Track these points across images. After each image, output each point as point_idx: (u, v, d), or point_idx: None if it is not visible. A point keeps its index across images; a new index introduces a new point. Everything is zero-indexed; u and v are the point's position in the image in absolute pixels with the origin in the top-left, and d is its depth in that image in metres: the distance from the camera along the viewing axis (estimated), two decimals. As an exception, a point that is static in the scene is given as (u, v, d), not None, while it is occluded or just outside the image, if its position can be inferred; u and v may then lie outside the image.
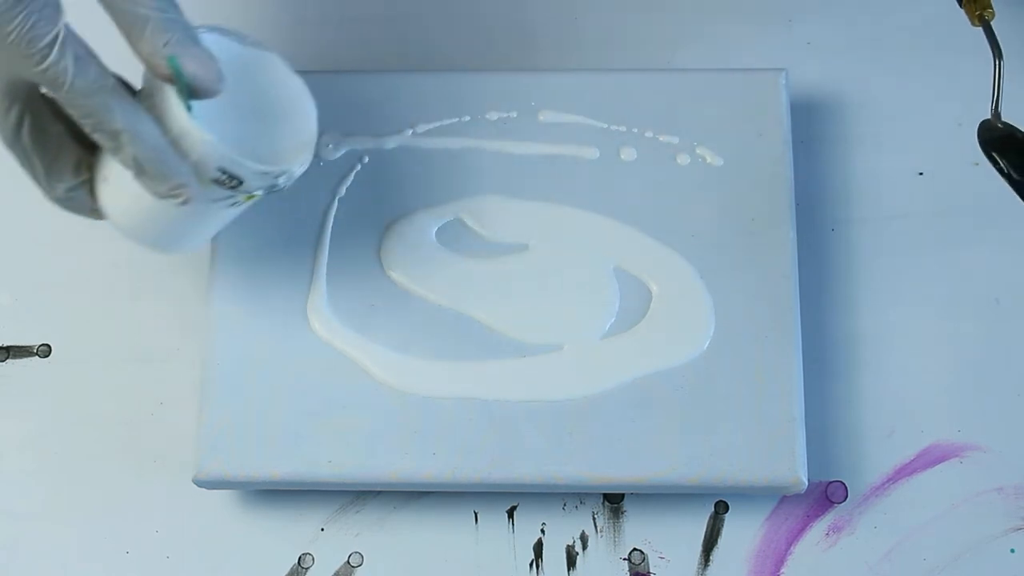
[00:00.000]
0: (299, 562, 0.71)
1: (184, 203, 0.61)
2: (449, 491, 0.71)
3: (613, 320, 0.71)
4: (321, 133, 0.74)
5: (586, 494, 0.71)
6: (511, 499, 0.72)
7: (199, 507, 0.72)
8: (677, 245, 0.72)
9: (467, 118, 0.75)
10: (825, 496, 0.71)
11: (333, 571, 0.71)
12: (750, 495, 0.71)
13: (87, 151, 0.63)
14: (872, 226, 0.75)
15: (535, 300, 0.72)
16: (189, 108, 0.59)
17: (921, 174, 0.76)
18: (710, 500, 0.71)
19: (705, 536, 0.71)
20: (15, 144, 0.61)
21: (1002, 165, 0.64)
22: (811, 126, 0.77)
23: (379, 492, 0.72)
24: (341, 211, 0.73)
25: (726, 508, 0.71)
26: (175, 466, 0.72)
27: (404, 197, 0.73)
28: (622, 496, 0.71)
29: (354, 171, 0.74)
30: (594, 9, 0.81)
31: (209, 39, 0.62)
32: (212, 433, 0.69)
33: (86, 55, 0.58)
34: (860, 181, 0.76)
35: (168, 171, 0.60)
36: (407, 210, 0.73)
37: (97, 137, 0.59)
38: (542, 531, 0.71)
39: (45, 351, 0.75)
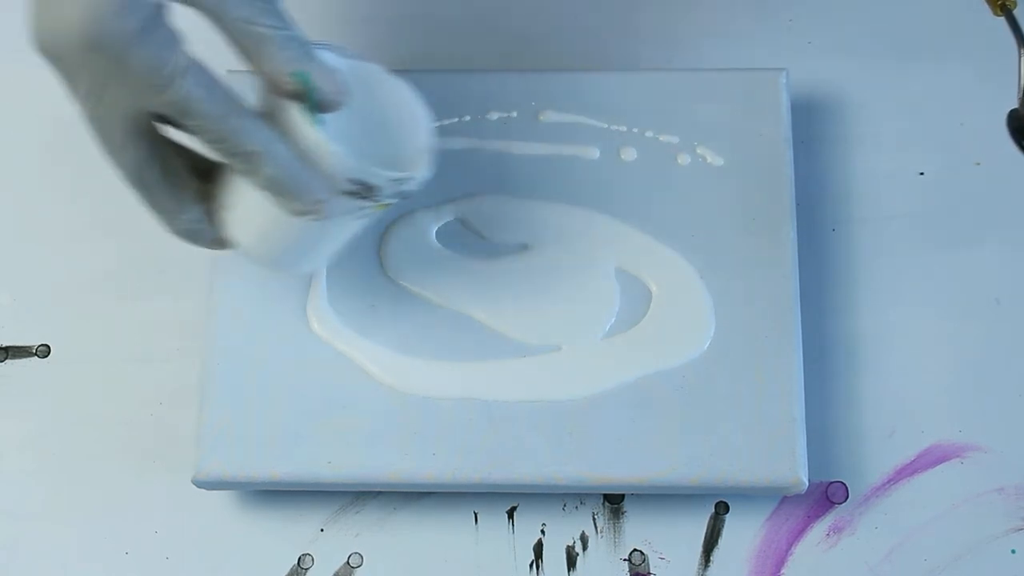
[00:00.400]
0: (299, 563, 0.71)
1: (319, 218, 0.60)
2: (449, 491, 0.71)
3: (613, 320, 0.71)
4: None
5: (586, 494, 0.71)
6: (511, 499, 0.71)
7: (199, 507, 0.72)
8: (677, 245, 0.72)
9: (467, 118, 0.75)
10: (826, 496, 0.71)
11: (333, 572, 0.71)
12: (750, 495, 0.71)
13: (205, 182, 0.62)
14: (873, 226, 0.75)
15: (535, 300, 0.71)
16: (317, 123, 0.59)
17: (922, 174, 0.76)
18: (710, 500, 0.71)
19: (705, 536, 0.71)
20: (138, 181, 0.60)
21: None
22: (812, 126, 0.77)
23: (379, 492, 0.72)
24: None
25: (726, 508, 0.71)
26: (175, 466, 0.71)
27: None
28: (622, 496, 0.71)
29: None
30: (595, 9, 0.81)
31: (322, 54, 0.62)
32: (212, 433, 0.69)
33: (212, 80, 0.57)
34: (861, 181, 0.76)
35: (304, 188, 0.59)
36: (407, 210, 0.73)
37: (231, 160, 0.59)
38: (542, 532, 0.71)
39: (44, 351, 0.75)
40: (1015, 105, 0.77)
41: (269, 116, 0.60)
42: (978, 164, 0.76)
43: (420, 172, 0.63)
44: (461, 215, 0.73)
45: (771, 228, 0.72)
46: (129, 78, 0.56)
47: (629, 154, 0.74)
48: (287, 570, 0.71)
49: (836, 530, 0.71)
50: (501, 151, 0.74)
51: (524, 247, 0.73)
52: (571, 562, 0.71)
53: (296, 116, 0.59)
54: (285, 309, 0.72)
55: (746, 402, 0.69)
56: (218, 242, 0.63)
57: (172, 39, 0.56)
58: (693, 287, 0.71)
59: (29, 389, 0.74)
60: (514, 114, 0.74)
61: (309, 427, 0.69)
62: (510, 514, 0.71)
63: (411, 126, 0.64)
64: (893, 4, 0.80)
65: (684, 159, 0.74)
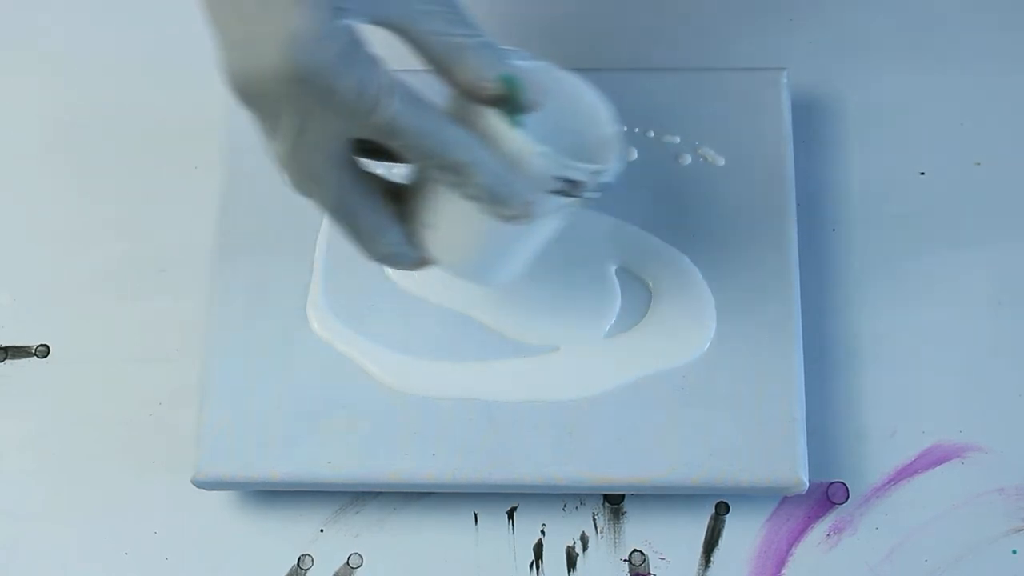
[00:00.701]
0: (298, 563, 0.71)
1: (530, 221, 0.60)
2: (449, 492, 0.71)
3: (614, 320, 0.71)
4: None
5: (586, 495, 0.71)
6: (511, 500, 0.71)
7: (198, 508, 0.72)
8: (678, 245, 0.72)
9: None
10: (826, 497, 0.71)
11: (333, 572, 0.71)
12: (751, 496, 0.71)
13: (399, 204, 0.62)
14: (873, 226, 0.75)
15: (536, 300, 0.71)
16: (517, 125, 0.58)
17: (923, 174, 0.76)
18: (711, 501, 0.71)
19: (706, 537, 0.71)
20: (340, 210, 0.59)
21: None
22: (812, 126, 0.77)
23: (379, 493, 0.72)
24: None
25: (727, 509, 0.71)
26: (174, 467, 0.71)
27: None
28: (622, 497, 0.71)
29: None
30: (595, 8, 0.80)
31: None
32: (211, 434, 0.69)
33: (416, 95, 0.56)
34: (861, 181, 0.76)
35: (514, 192, 0.59)
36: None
37: (439, 175, 0.58)
38: (542, 532, 0.71)
39: (43, 352, 0.75)
40: (1017, 103, 0.77)
41: (465, 124, 0.59)
42: (978, 164, 0.76)
43: (615, 162, 0.62)
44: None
45: (772, 228, 0.72)
46: (336, 106, 0.55)
47: (630, 154, 0.74)
48: (287, 570, 0.71)
49: (837, 530, 0.71)
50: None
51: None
52: (571, 562, 0.71)
53: (496, 121, 0.58)
54: (285, 309, 0.71)
55: (746, 402, 0.69)
56: (420, 262, 0.63)
57: (373, 60, 0.55)
58: (694, 287, 0.71)
59: (28, 389, 0.74)
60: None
61: (309, 427, 0.69)
62: (510, 514, 0.71)
63: (597, 118, 0.64)
64: (894, 4, 0.80)
65: (685, 159, 0.74)
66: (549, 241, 0.65)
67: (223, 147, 0.74)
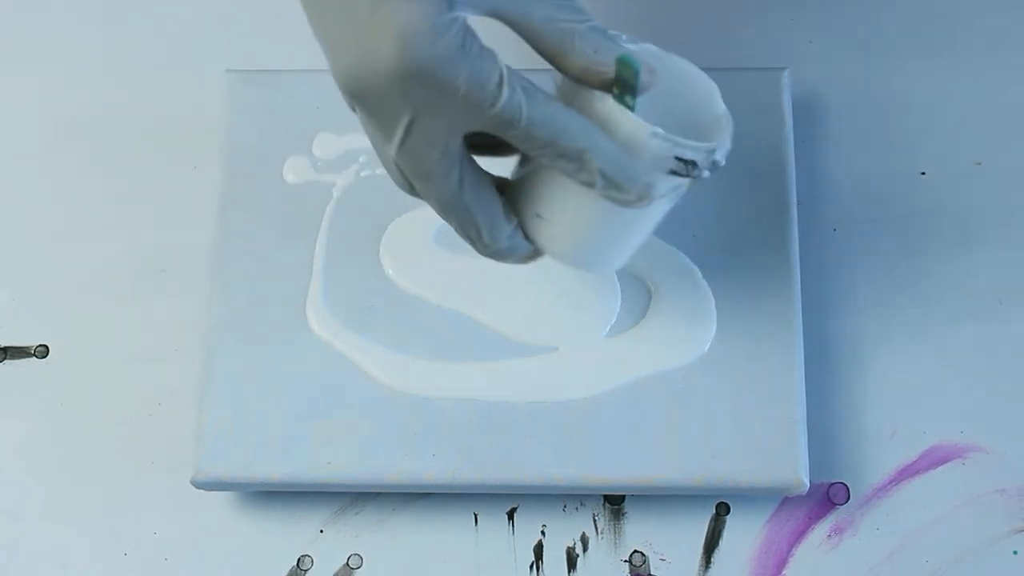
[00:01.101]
0: (298, 564, 0.71)
1: (649, 203, 0.60)
2: (449, 492, 0.70)
3: (614, 321, 0.71)
4: (318, 132, 0.74)
5: (586, 495, 0.71)
6: (511, 500, 0.71)
7: (198, 508, 0.71)
8: (678, 245, 0.72)
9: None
10: (827, 497, 0.71)
11: (332, 573, 0.71)
12: (751, 496, 0.70)
13: (505, 197, 0.61)
14: (874, 226, 0.75)
15: (536, 300, 0.71)
16: (632, 108, 0.58)
17: (923, 174, 0.76)
18: (711, 501, 0.71)
19: (706, 538, 0.71)
20: (456, 206, 0.59)
21: None
22: (813, 125, 0.77)
23: (378, 493, 0.71)
24: (340, 211, 0.73)
25: (727, 509, 0.71)
26: (174, 467, 0.71)
27: (404, 196, 0.73)
28: (623, 497, 0.71)
29: (353, 170, 0.74)
30: (595, 8, 0.80)
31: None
32: (211, 434, 0.69)
33: (530, 84, 0.56)
34: (862, 181, 0.76)
35: (634, 175, 0.58)
36: (407, 209, 0.73)
37: (558, 163, 0.58)
38: (542, 533, 0.71)
39: (43, 352, 0.75)
40: (1017, 103, 0.77)
41: (578, 110, 0.59)
42: (979, 164, 0.76)
43: (726, 139, 0.62)
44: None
45: (772, 228, 0.72)
46: (454, 100, 0.55)
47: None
48: (286, 571, 0.71)
49: (837, 531, 0.70)
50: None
51: (524, 247, 0.72)
52: (571, 563, 0.70)
53: (610, 105, 0.58)
54: (284, 309, 0.71)
55: (747, 402, 0.69)
56: (534, 255, 0.63)
57: (487, 51, 0.55)
58: (694, 287, 0.71)
59: (27, 390, 0.74)
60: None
61: (308, 428, 0.69)
62: (510, 515, 0.71)
63: (707, 97, 0.64)
64: (894, 3, 0.80)
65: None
66: (659, 224, 0.65)
67: (223, 147, 0.74)
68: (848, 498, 0.71)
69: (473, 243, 0.61)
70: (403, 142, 0.56)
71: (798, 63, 0.77)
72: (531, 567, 0.70)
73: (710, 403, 0.69)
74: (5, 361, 0.75)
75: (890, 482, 0.71)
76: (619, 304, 0.71)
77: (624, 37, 0.61)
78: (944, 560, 0.70)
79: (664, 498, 0.71)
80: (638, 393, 0.69)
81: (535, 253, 0.63)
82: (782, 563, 0.70)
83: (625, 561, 0.70)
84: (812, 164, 0.76)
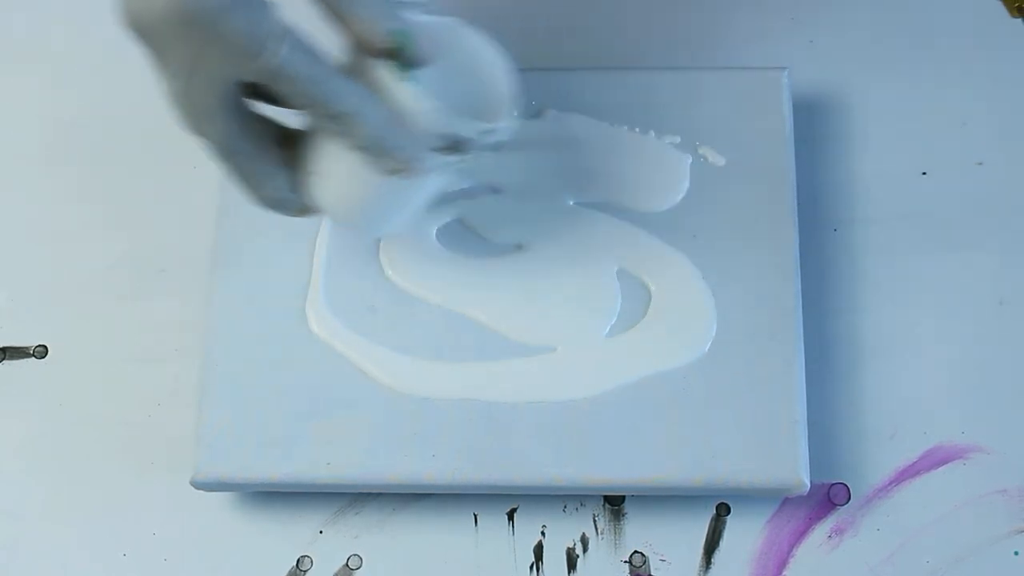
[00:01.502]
0: (297, 564, 0.71)
1: (413, 175, 0.61)
2: (449, 493, 0.70)
3: (614, 321, 0.71)
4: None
5: (587, 496, 0.71)
6: (511, 501, 0.71)
7: (197, 509, 0.71)
8: (678, 245, 0.72)
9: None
10: (827, 498, 0.71)
11: (332, 573, 0.71)
12: (752, 497, 0.70)
13: (287, 150, 0.63)
14: (875, 226, 0.75)
15: (536, 301, 0.71)
16: (408, 80, 0.59)
17: (924, 174, 0.76)
18: (711, 502, 0.71)
19: (706, 538, 0.70)
20: (226, 152, 0.60)
21: None
22: (813, 125, 0.77)
23: (378, 494, 0.71)
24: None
25: (728, 510, 0.71)
26: (173, 468, 0.71)
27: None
28: (623, 498, 0.71)
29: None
30: (596, 7, 0.80)
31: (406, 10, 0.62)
32: (210, 435, 0.69)
33: (305, 43, 0.57)
34: (863, 181, 0.76)
35: (398, 146, 0.60)
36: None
37: (325, 123, 0.59)
38: (542, 533, 0.71)
39: (41, 352, 0.75)
40: (1019, 103, 0.77)
41: (357, 75, 0.60)
42: (980, 164, 0.76)
43: (508, 121, 0.63)
44: (461, 215, 0.73)
45: (773, 228, 0.72)
46: (224, 47, 0.56)
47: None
48: (286, 572, 0.71)
49: (838, 531, 0.70)
50: (501, 150, 0.74)
51: (524, 247, 0.72)
52: (571, 564, 0.70)
53: (386, 74, 0.59)
54: (284, 309, 0.71)
55: (747, 403, 0.69)
56: (304, 209, 0.64)
57: (264, 5, 0.56)
58: (694, 288, 0.71)
59: (26, 390, 0.74)
60: (514, 113, 0.74)
61: (308, 428, 0.69)
62: (510, 516, 0.71)
63: (494, 75, 0.64)
64: (896, 2, 0.80)
65: (686, 159, 0.73)
66: (435, 197, 0.66)
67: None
68: (849, 498, 0.71)
69: (246, 191, 0.62)
70: (181, 82, 0.57)
71: (799, 63, 0.77)
72: (531, 567, 0.70)
73: (710, 403, 0.69)
74: (4, 361, 0.75)
75: (891, 482, 0.71)
76: (619, 304, 0.71)
77: (420, 6, 0.62)
78: (945, 561, 0.69)
79: (664, 498, 0.71)
80: (638, 393, 0.69)
81: (307, 209, 0.64)
82: (783, 564, 0.70)
83: (625, 562, 0.70)
84: (812, 164, 0.76)
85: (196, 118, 0.59)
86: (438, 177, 0.64)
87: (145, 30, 0.56)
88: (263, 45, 0.56)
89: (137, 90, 0.79)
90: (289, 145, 0.63)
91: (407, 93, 0.59)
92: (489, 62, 0.64)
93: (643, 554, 0.70)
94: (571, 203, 0.73)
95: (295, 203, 0.64)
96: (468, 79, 0.64)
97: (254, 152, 0.61)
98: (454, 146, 0.61)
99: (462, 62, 0.64)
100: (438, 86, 0.62)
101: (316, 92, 0.58)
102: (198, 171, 0.77)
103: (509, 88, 0.64)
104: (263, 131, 0.61)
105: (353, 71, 0.60)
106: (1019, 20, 0.74)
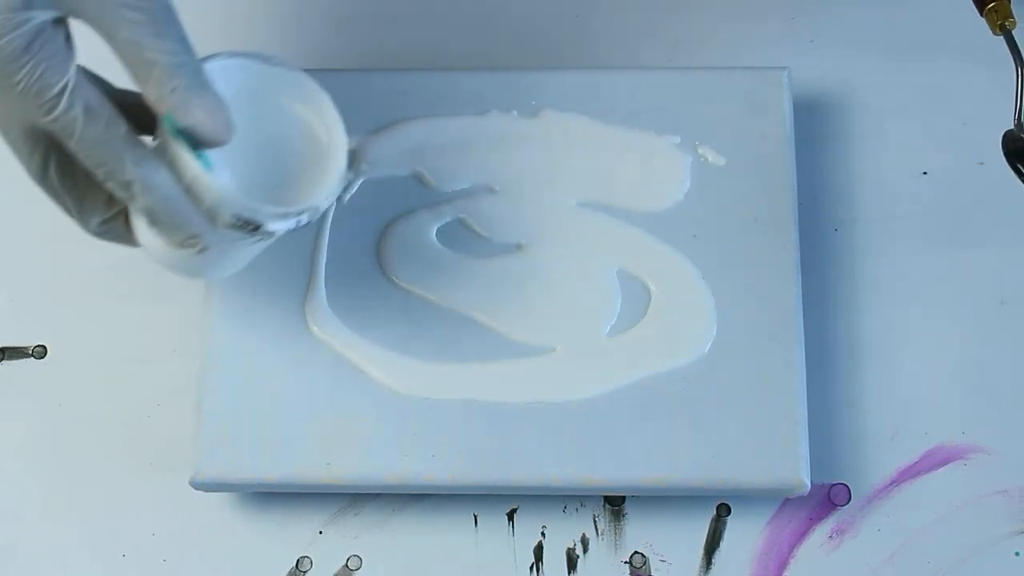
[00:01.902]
0: (297, 565, 0.71)
1: (197, 252, 0.59)
2: (449, 493, 0.70)
3: (614, 321, 0.71)
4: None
5: (587, 496, 0.71)
6: (511, 501, 0.71)
7: (196, 509, 0.71)
8: (679, 246, 0.72)
9: (467, 116, 0.74)
10: (828, 498, 0.71)
11: (332, 574, 0.70)
12: (752, 497, 0.70)
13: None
14: (876, 226, 0.75)
15: (536, 301, 0.71)
16: (199, 155, 0.57)
17: (925, 173, 0.76)
18: (712, 502, 0.71)
19: (707, 539, 0.70)
20: (44, 183, 0.59)
21: None
22: (814, 125, 0.77)
23: (378, 495, 0.71)
24: (339, 211, 0.73)
25: (728, 511, 0.71)
26: (172, 468, 0.71)
27: (404, 197, 0.73)
28: (623, 498, 0.71)
29: (353, 169, 0.74)
30: (595, 7, 0.80)
31: (229, 65, 0.60)
32: (209, 435, 0.69)
33: (97, 103, 0.56)
34: (864, 181, 0.76)
35: (180, 222, 0.58)
36: (407, 210, 0.73)
37: (109, 186, 0.58)
38: (542, 534, 0.71)
39: (40, 352, 0.74)
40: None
41: (161, 143, 0.58)
42: (982, 164, 0.76)
43: (319, 202, 0.61)
44: (461, 215, 0.73)
45: (773, 228, 0.72)
46: (15, 96, 0.55)
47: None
48: (285, 572, 0.71)
49: (838, 532, 0.70)
50: (501, 150, 0.74)
51: (524, 247, 0.72)
52: (571, 564, 0.70)
53: (180, 147, 0.57)
54: (283, 310, 0.71)
55: (748, 403, 0.69)
56: (134, 241, 0.62)
57: (61, 58, 0.55)
58: (695, 288, 0.71)
59: (25, 390, 0.74)
60: (514, 113, 0.74)
61: (307, 429, 0.69)
62: (510, 516, 0.71)
63: (320, 149, 0.62)
64: (896, 2, 0.79)
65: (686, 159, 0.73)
66: (256, 255, 0.64)
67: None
68: (849, 499, 0.71)
69: (70, 219, 0.61)
70: None
71: (800, 62, 0.77)
72: (531, 568, 0.70)
73: (710, 404, 0.69)
74: (3, 361, 0.74)
75: (891, 483, 0.71)
76: (619, 304, 0.71)
77: (263, 59, 0.60)
78: (945, 561, 0.69)
79: (665, 499, 0.71)
80: (638, 394, 0.69)
81: (135, 242, 0.62)
82: (783, 564, 0.70)
83: (625, 562, 0.70)
84: (813, 164, 0.76)
85: (10, 146, 0.58)
86: (256, 242, 0.62)
87: None
88: (50, 101, 0.55)
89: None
90: None
91: (194, 170, 0.57)
92: (317, 136, 0.62)
93: (643, 555, 0.70)
94: (571, 203, 0.73)
95: (122, 236, 0.62)
96: (281, 153, 0.62)
97: (71, 187, 0.59)
98: (246, 226, 0.59)
99: (282, 133, 0.62)
100: (242, 159, 0.60)
101: (99, 154, 0.56)
102: (197, 171, 0.77)
103: (330, 168, 0.61)
104: (77, 168, 0.59)
105: (161, 137, 0.58)
106: (1020, 15, 0.74)
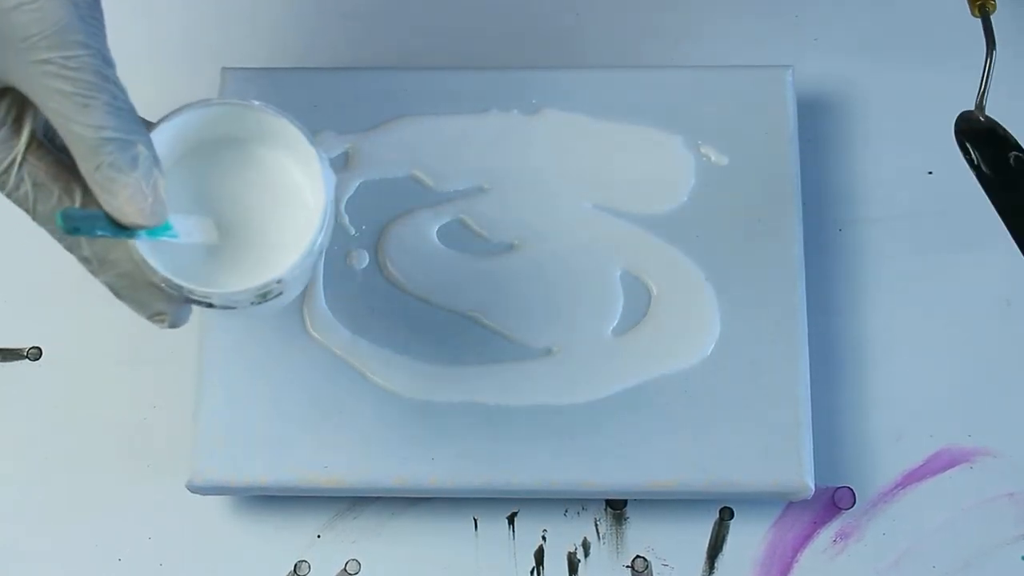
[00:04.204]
0: (295, 569, 0.70)
1: (167, 327, 0.57)
2: (448, 497, 0.70)
3: (616, 323, 0.70)
4: (317, 131, 0.73)
5: (588, 500, 0.71)
6: (511, 505, 0.71)
7: (193, 513, 0.71)
8: (681, 246, 0.71)
9: (467, 116, 0.74)
10: (832, 502, 0.70)
11: (330, 578, 0.70)
12: (756, 501, 0.70)
13: None
14: (880, 226, 0.75)
15: (537, 302, 0.71)
16: (139, 238, 0.54)
17: (931, 173, 0.76)
18: (715, 506, 0.71)
19: (710, 543, 0.70)
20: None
21: (973, 157, 0.64)
22: (818, 124, 0.77)
23: (377, 498, 0.71)
24: (338, 211, 0.72)
25: (731, 514, 0.70)
26: (169, 471, 0.71)
27: (404, 196, 0.73)
28: (625, 502, 0.71)
29: (352, 169, 0.73)
30: (596, 5, 0.80)
31: (199, 116, 0.57)
32: (206, 438, 0.69)
33: (49, 178, 0.54)
34: (868, 180, 0.76)
35: (142, 299, 0.56)
36: (406, 210, 0.72)
37: (81, 262, 0.56)
38: (543, 538, 0.70)
39: (36, 354, 0.74)
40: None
41: None
42: (988, 163, 0.76)
43: (284, 274, 0.56)
44: (461, 215, 0.72)
45: (777, 228, 0.71)
46: None
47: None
48: (283, 577, 0.70)
49: (843, 536, 0.70)
50: (502, 150, 0.73)
51: (525, 247, 0.72)
52: (573, 569, 0.70)
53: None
54: (282, 311, 0.71)
55: (751, 406, 0.68)
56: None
57: (8, 133, 0.53)
58: (697, 289, 0.71)
59: (20, 392, 0.74)
60: (514, 112, 0.74)
61: (306, 431, 0.69)
62: (511, 520, 0.71)
63: (294, 209, 0.59)
64: (899, 1, 0.79)
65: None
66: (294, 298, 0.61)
67: (219, 146, 0.74)
68: (854, 503, 0.70)
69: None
70: None
71: (804, 61, 0.77)
72: (532, 572, 0.70)
73: (713, 406, 0.68)
74: (-3, 363, 0.74)
75: (896, 486, 0.71)
76: (621, 306, 0.71)
77: (241, 106, 0.57)
78: (952, 565, 0.69)
79: (667, 503, 0.70)
80: (640, 396, 0.69)
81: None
82: (787, 569, 0.70)
83: (627, 567, 0.70)
84: (817, 163, 0.76)
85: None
86: (263, 306, 0.58)
87: None
88: (4, 179, 0.53)
89: (133, 89, 0.79)
90: None
91: (138, 253, 0.54)
92: (294, 192, 0.59)
93: (645, 559, 0.70)
94: (572, 203, 0.72)
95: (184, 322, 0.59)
96: (259, 215, 0.58)
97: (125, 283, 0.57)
98: (202, 303, 0.56)
99: (252, 194, 0.59)
100: (218, 217, 0.58)
101: (59, 233, 0.54)
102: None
103: (300, 233, 0.57)
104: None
105: None
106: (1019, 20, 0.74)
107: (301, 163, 0.58)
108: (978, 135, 0.64)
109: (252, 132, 0.59)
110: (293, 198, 0.59)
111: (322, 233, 0.57)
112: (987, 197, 0.64)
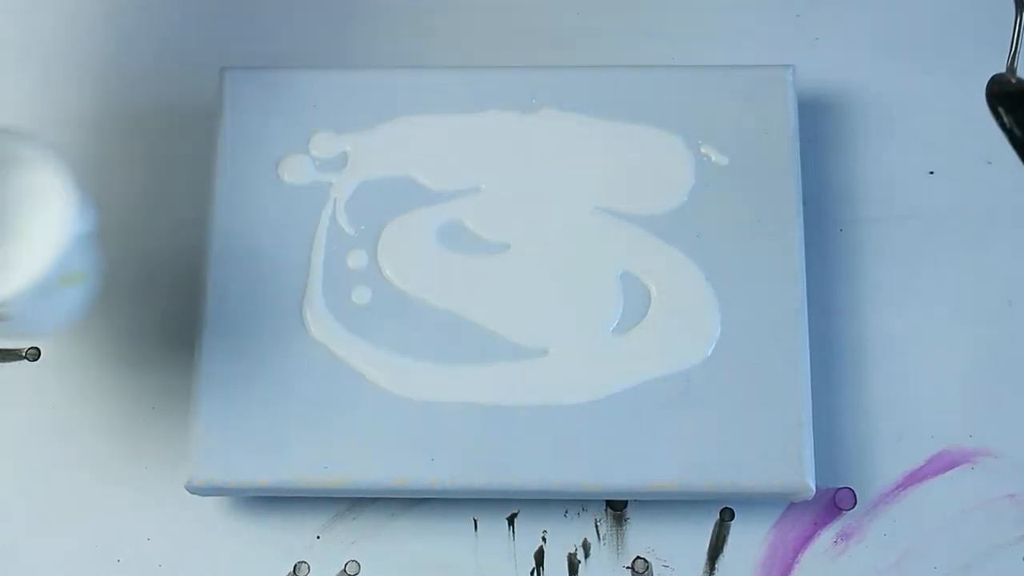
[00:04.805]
0: (294, 571, 0.70)
1: None
2: (448, 498, 0.70)
3: (616, 323, 0.70)
4: (316, 131, 0.73)
5: (588, 501, 0.71)
6: (511, 506, 0.71)
7: (192, 514, 0.71)
8: (681, 246, 0.71)
9: (467, 115, 0.74)
10: (833, 503, 0.70)
11: (329, 579, 0.70)
12: (756, 502, 0.70)
13: None
14: (881, 226, 0.75)
15: (536, 303, 0.71)
16: None
17: (932, 173, 0.76)
18: (715, 507, 0.70)
19: (710, 544, 0.70)
20: None
21: (1006, 121, 0.63)
22: (819, 124, 0.76)
23: (376, 499, 0.71)
24: (338, 211, 0.72)
25: (732, 515, 0.70)
26: (168, 472, 0.71)
27: (403, 196, 0.73)
28: (625, 503, 0.71)
29: (351, 169, 0.73)
30: (597, 4, 0.80)
31: None
32: (205, 439, 0.68)
33: None
34: (869, 180, 0.75)
35: None
36: (405, 210, 0.72)
37: None
38: (543, 539, 0.70)
39: (34, 355, 0.74)
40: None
41: None
42: (989, 163, 0.75)
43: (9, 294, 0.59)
44: (460, 215, 0.72)
45: (777, 228, 0.71)
46: None
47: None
48: (282, 578, 0.70)
49: (844, 537, 0.70)
50: (501, 149, 0.73)
51: (524, 248, 0.72)
52: (573, 570, 0.70)
53: None
54: (280, 311, 0.71)
55: (752, 406, 0.68)
56: None
57: None
58: (697, 289, 0.71)
59: (18, 393, 0.73)
60: (514, 111, 0.74)
61: (305, 432, 0.69)
62: (510, 521, 0.71)
63: (20, 247, 0.61)
64: (901, 1, 0.79)
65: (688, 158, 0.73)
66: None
67: (219, 146, 0.74)
68: (855, 503, 0.70)
69: None
70: None
71: (804, 60, 0.77)
72: (532, 573, 0.70)
73: (713, 407, 0.68)
74: (-4, 364, 0.74)
75: (897, 487, 0.71)
76: (621, 306, 0.70)
77: None
78: (953, 566, 0.69)
79: (667, 503, 0.70)
80: (640, 397, 0.69)
81: None
82: (788, 570, 0.70)
83: (628, 568, 0.70)
84: (818, 163, 0.76)
85: None
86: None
87: None
88: None
89: (132, 89, 0.79)
90: None
91: None
92: (18, 220, 0.61)
93: (646, 560, 0.70)
94: (572, 203, 0.72)
95: None
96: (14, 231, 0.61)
97: None
98: None
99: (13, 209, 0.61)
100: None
101: None
102: (194, 172, 0.76)
103: (33, 259, 0.60)
104: None
105: None
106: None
107: (53, 194, 0.61)
108: (1010, 97, 0.63)
109: (8, 156, 0.61)
110: (45, 228, 0.61)
111: (57, 270, 0.59)
112: (1019, 160, 0.63)
